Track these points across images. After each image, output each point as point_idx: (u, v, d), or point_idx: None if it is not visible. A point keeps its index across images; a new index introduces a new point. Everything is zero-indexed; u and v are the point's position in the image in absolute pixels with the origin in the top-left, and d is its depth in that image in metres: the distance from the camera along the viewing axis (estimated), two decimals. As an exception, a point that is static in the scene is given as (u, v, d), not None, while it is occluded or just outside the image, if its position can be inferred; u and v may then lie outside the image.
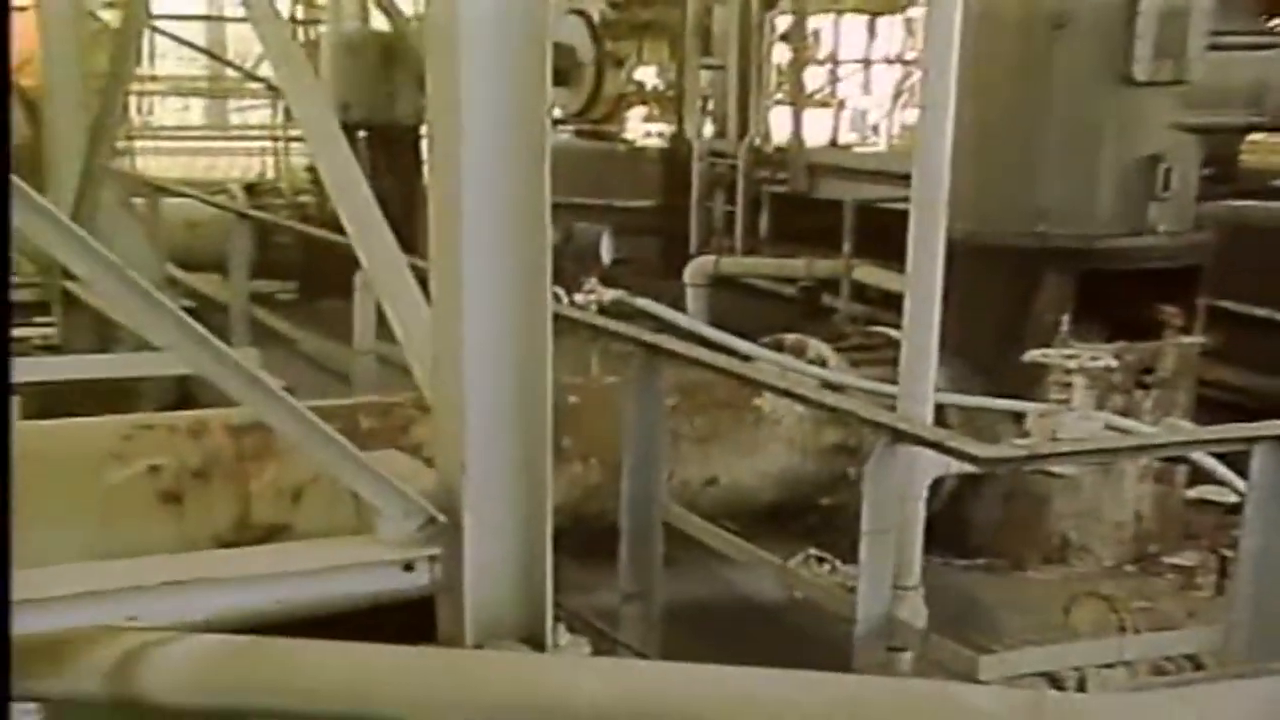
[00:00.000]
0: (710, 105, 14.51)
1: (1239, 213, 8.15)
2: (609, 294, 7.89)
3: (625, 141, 15.37)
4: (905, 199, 4.71)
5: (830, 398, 4.91)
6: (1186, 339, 6.63)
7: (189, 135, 20.33)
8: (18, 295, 9.44)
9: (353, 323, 7.53)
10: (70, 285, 8.68)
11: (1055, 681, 4.25)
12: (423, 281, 3.93)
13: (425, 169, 12.26)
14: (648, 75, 16.07)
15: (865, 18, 15.71)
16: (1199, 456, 5.46)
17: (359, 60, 13.22)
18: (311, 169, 13.35)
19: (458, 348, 3.49)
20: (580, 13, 14.45)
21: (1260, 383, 7.89)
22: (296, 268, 12.08)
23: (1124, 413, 5.93)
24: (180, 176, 14.70)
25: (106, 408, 5.36)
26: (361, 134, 12.49)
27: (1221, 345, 7.29)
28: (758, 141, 13.46)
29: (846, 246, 10.69)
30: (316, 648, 3.52)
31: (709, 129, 14.35)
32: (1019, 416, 5.73)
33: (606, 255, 8.04)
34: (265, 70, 15.91)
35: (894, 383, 4.89)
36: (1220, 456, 5.31)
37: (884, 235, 9.13)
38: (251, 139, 17.93)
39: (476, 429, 3.54)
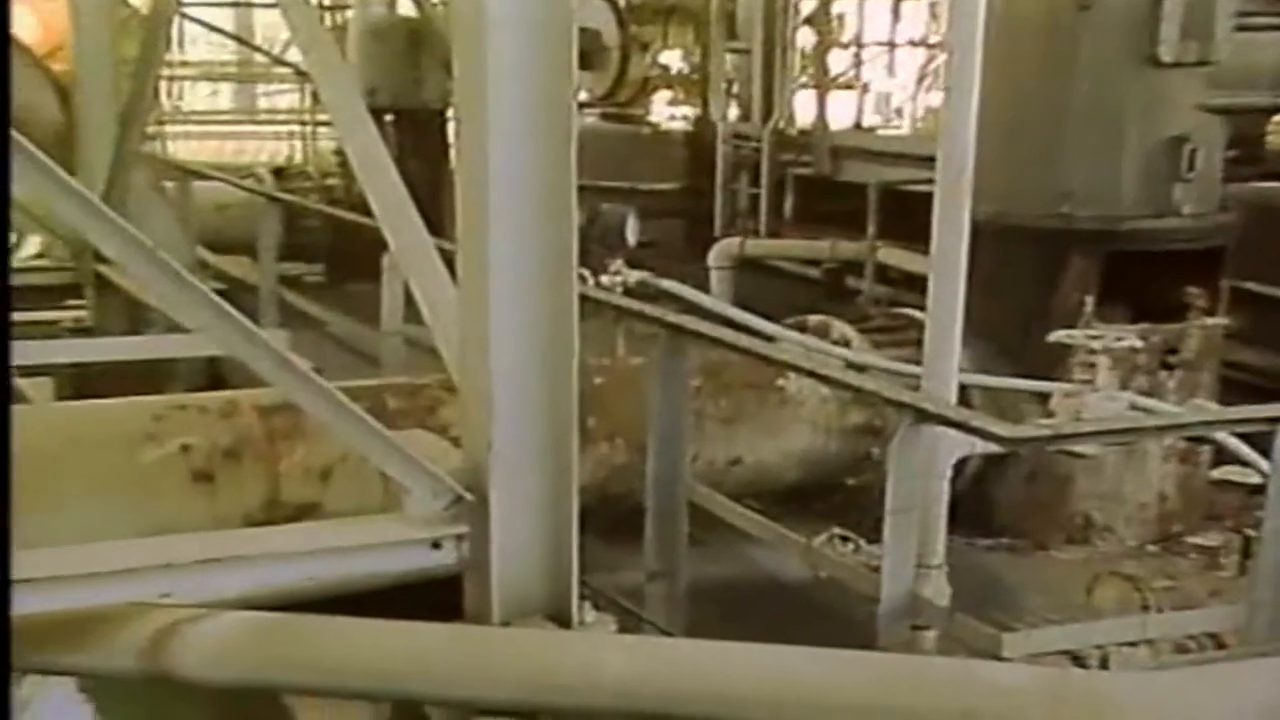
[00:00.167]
0: (735, 88, 14.51)
1: (1264, 194, 8.14)
2: (634, 275, 7.91)
3: (650, 125, 15.39)
4: (929, 181, 4.72)
5: (854, 378, 4.92)
6: (1210, 320, 6.63)
7: (218, 120, 20.44)
8: (51, 279, 9.55)
9: (380, 304, 7.58)
10: (102, 268, 8.76)
11: (1078, 660, 4.27)
12: (449, 263, 3.97)
13: (452, 152, 12.30)
14: (673, 59, 16.08)
15: (889, 1, 15.66)
16: (1223, 437, 5.45)
17: (386, 45, 13.27)
18: (339, 153, 13.43)
19: (484, 329, 3.53)
20: (606, -3, 14.47)
21: (1283, 363, 7.88)
22: (324, 250, 12.15)
23: (1148, 394, 5.93)
24: (209, 160, 14.78)
25: (138, 389, 5.42)
26: (388, 118, 12.54)
27: (1245, 326, 7.28)
28: (782, 124, 13.47)
29: (871, 228, 10.70)
30: (345, 625, 3.57)
31: (733, 112, 14.35)
32: (1043, 397, 5.74)
33: (632, 237, 8.06)
34: (293, 55, 15.99)
35: (918, 364, 4.90)
36: (1244, 437, 5.31)
37: (908, 217, 9.13)
38: (280, 123, 18.01)
39: (503, 409, 3.57)
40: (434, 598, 3.79)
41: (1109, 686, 3.36)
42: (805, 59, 14.26)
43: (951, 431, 4.21)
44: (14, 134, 3.12)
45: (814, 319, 6.71)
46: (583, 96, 13.99)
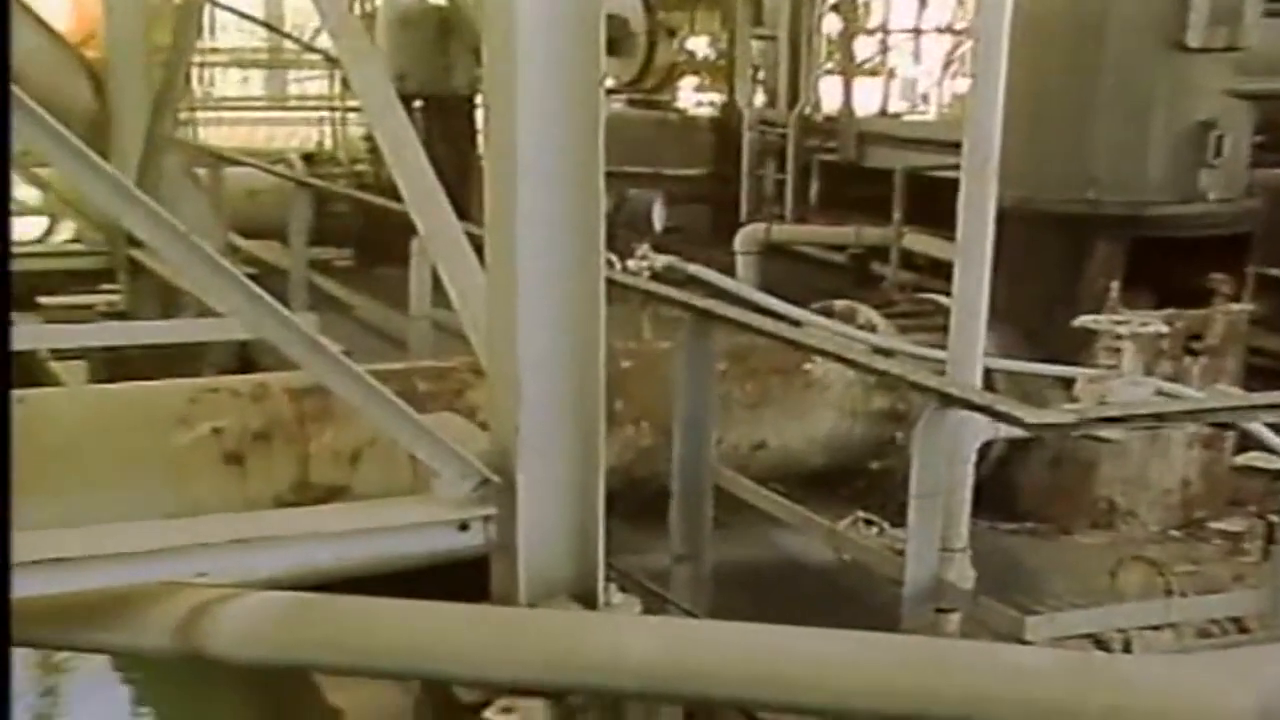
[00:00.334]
0: (761, 75, 14.52)
1: (1291, 180, 8.08)
2: (661, 260, 7.93)
3: (677, 110, 15.41)
4: (955, 167, 4.72)
5: (880, 362, 4.93)
6: (1236, 306, 6.60)
7: (249, 106, 20.55)
8: (85, 263, 9.65)
9: (408, 289, 7.63)
10: (136, 253, 8.86)
11: (1101, 644, 4.28)
12: (478, 248, 4.01)
13: (480, 138, 12.35)
14: (699, 45, 16.08)
15: (915, -12, 15.64)
16: (1247, 423, 5.45)
17: (415, 32, 13.32)
18: (368, 138, 13.51)
19: (512, 313, 3.57)
20: (633, -16, 14.49)
21: (1309, 351, 7.84)
22: (353, 235, 12.21)
23: (1172, 379, 5.92)
24: (240, 146, 14.86)
25: (171, 372, 5.49)
26: (417, 104, 12.58)
27: (1270, 312, 7.26)
28: (808, 110, 13.48)
29: (896, 214, 10.70)
30: (375, 605, 3.62)
31: (760, 98, 14.36)
32: (1067, 383, 5.74)
33: (659, 222, 8.09)
34: (323, 42, 16.05)
35: (943, 349, 4.91)
36: (1269, 423, 5.31)
37: (933, 203, 9.13)
38: (310, 109, 18.08)
39: (531, 393, 3.62)
40: (461, 579, 3.83)
41: (1132, 670, 3.39)
42: (831, 45, 14.27)
43: (976, 416, 4.22)
44: (51, 121, 3.19)
45: (840, 304, 6.72)
46: (609, 83, 13.99)
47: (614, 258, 6.87)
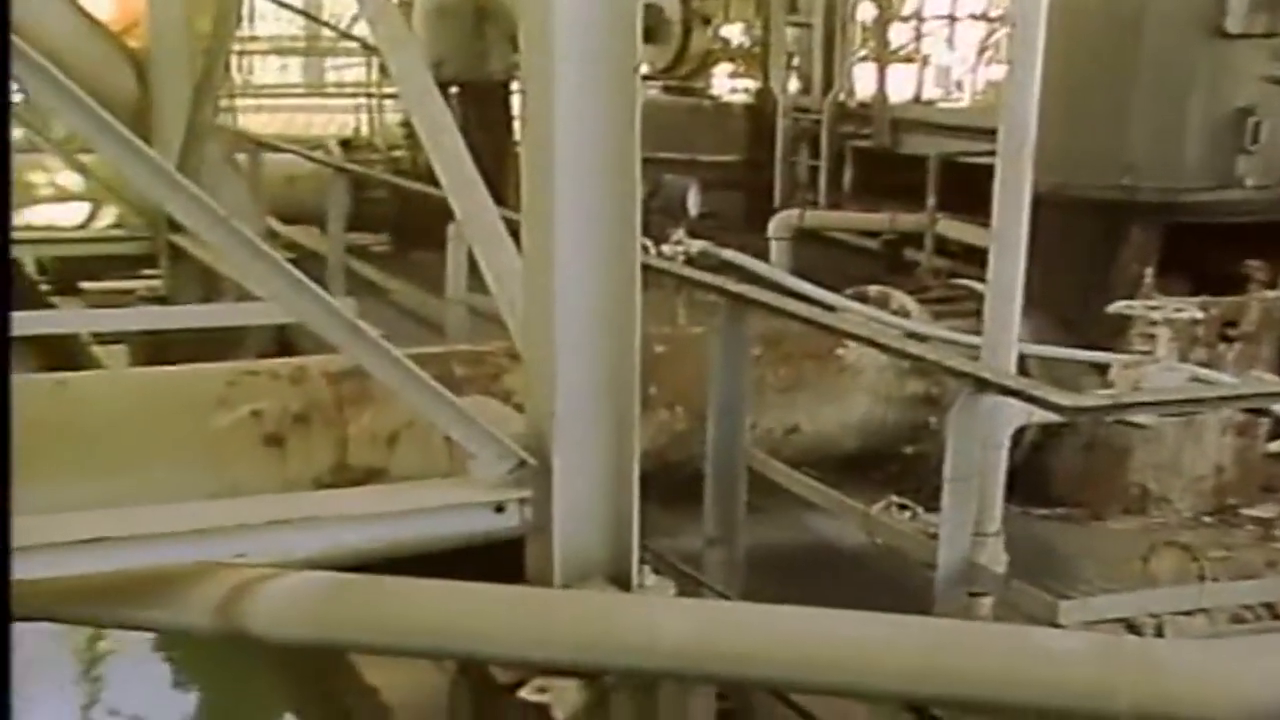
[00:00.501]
0: (795, 62, 14.50)
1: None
2: (695, 245, 7.95)
3: (711, 97, 15.41)
4: (989, 153, 4.72)
5: (915, 347, 4.94)
6: (1271, 293, 6.57)
7: (287, 93, 20.66)
8: (127, 249, 9.75)
9: (444, 274, 7.67)
10: (176, 238, 8.94)
11: (1133, 628, 4.28)
12: (514, 233, 4.04)
13: (516, 124, 12.38)
14: (734, 33, 16.06)
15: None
16: (1281, 410, 5.45)
17: (452, 19, 13.36)
18: (405, 125, 13.56)
19: (549, 297, 3.60)
20: (668, -29, 14.52)
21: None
22: (390, 221, 12.29)
23: (1207, 366, 5.90)
24: (279, 133, 14.95)
25: (211, 355, 5.54)
26: (453, 90, 12.62)
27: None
28: (842, 97, 13.46)
29: (930, 200, 10.69)
30: (412, 585, 3.67)
31: (794, 85, 14.35)
32: (1101, 369, 5.73)
33: (694, 208, 8.11)
34: (360, 30, 16.12)
35: (976, 334, 4.91)
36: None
37: (967, 189, 9.12)
38: (347, 96, 18.17)
39: (566, 376, 3.64)
40: (497, 560, 3.87)
41: (1163, 654, 3.40)
42: (866, 32, 14.22)
43: (1011, 401, 4.23)
44: (94, 107, 3.23)
45: (874, 289, 6.72)
46: (645, 70, 14.02)
47: (649, 243, 6.89)
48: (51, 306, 10.44)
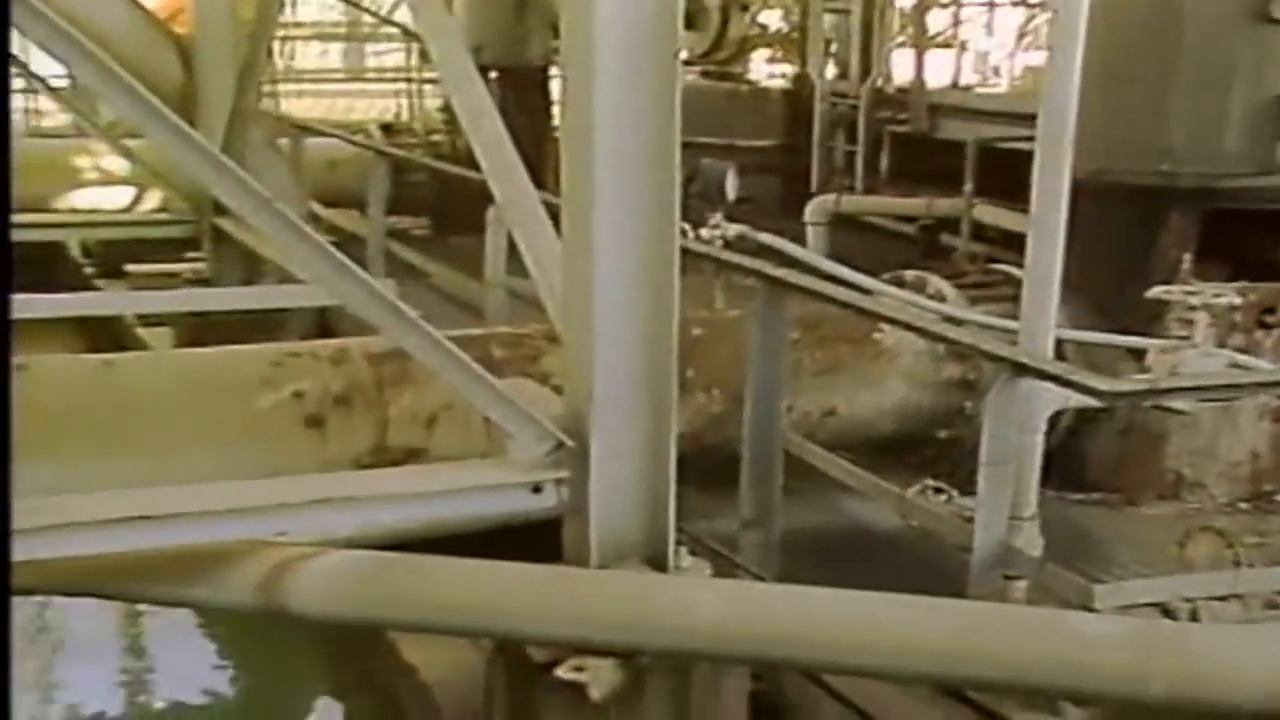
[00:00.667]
0: (833, 47, 14.48)
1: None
2: (733, 229, 7.96)
3: (749, 82, 15.40)
4: (1027, 139, 4.71)
5: (953, 331, 4.95)
6: (1311, 279, 6.53)
7: (328, 79, 20.79)
8: (171, 232, 9.86)
9: (482, 258, 7.72)
10: (220, 222, 9.03)
11: (1168, 613, 4.28)
12: (553, 216, 4.07)
13: (555, 109, 12.43)
14: (772, 18, 16.05)
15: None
16: (1317, 397, 5.43)
17: (492, 5, 13.40)
18: (444, 109, 13.61)
19: (588, 280, 3.62)
20: (709, -43, 14.51)
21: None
22: (429, 205, 12.35)
23: (1244, 352, 5.87)
24: (320, 118, 15.04)
25: (253, 337, 5.61)
26: (493, 75, 12.66)
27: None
28: (879, 82, 13.43)
29: (968, 186, 10.67)
30: (450, 565, 3.71)
31: (831, 70, 14.33)
32: (1137, 355, 5.71)
33: (732, 192, 8.10)
34: (400, 15, 16.19)
35: (1013, 319, 4.92)
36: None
37: (1003, 175, 9.09)
38: (387, 81, 18.26)
39: (605, 358, 3.68)
40: (534, 540, 3.91)
41: (1198, 639, 3.41)
42: (904, 19, 14.19)
43: (1047, 385, 4.24)
44: (142, 91, 3.28)
45: (910, 274, 6.71)
46: (683, 55, 14.03)
47: (687, 227, 6.90)
48: (97, 289, 10.58)
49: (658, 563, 3.85)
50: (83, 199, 11.24)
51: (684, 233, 3.99)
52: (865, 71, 13.69)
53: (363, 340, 5.00)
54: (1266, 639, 3.39)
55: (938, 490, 4.83)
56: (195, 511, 3.59)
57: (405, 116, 15.81)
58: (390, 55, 19.72)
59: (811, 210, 11.45)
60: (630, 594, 3.67)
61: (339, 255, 3.56)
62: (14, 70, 13.28)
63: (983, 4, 15.41)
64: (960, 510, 4.62)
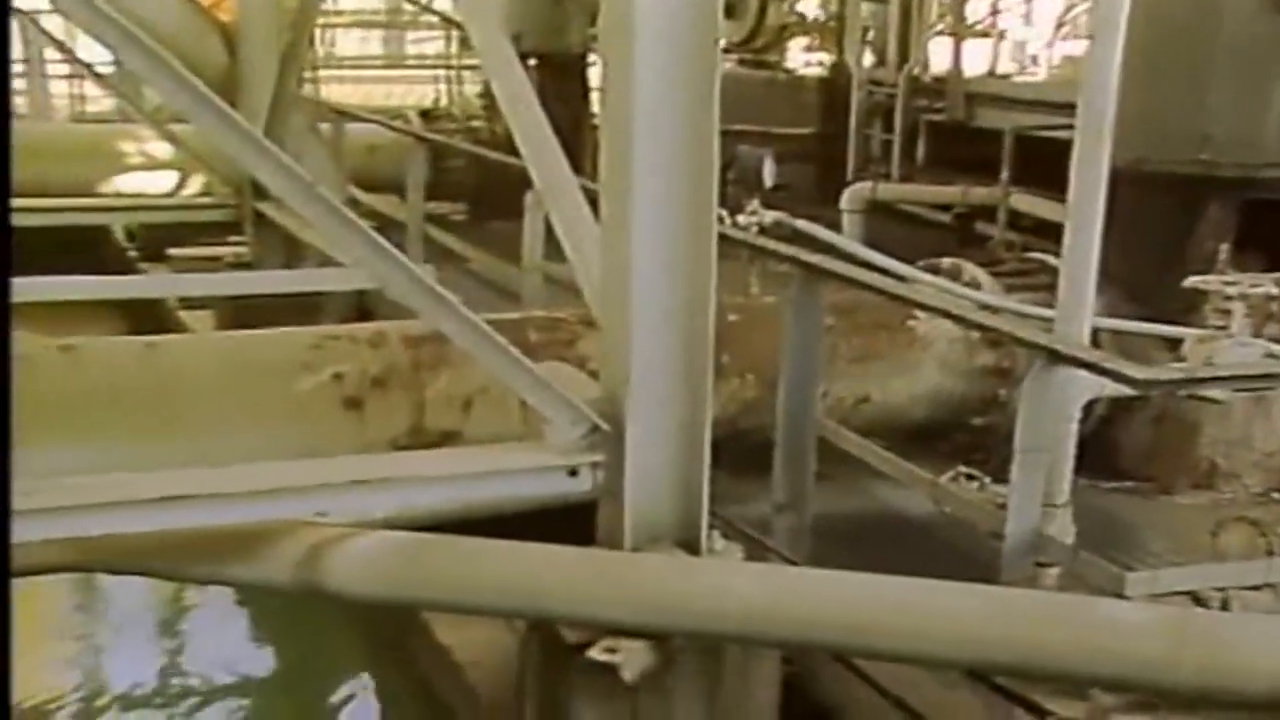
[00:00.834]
0: (870, 35, 14.46)
1: None
2: (770, 216, 7.97)
3: (786, 71, 15.38)
4: (1064, 127, 4.70)
5: (989, 319, 4.96)
6: (1349, 271, 6.50)
7: (369, 65, 20.90)
8: (214, 216, 9.96)
9: (519, 243, 7.76)
10: (261, 206, 9.11)
11: (1199, 602, 4.28)
12: (591, 202, 4.10)
13: (592, 97, 12.46)
14: (809, 7, 16.02)
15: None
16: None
17: (532, -7, 13.44)
18: (483, 95, 13.67)
19: (626, 265, 3.65)
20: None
21: None
22: (467, 190, 12.40)
23: (1279, 341, 5.86)
24: (360, 104, 15.12)
25: (293, 320, 5.65)
26: (531, 62, 12.70)
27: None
28: (916, 71, 13.40)
29: (1005, 174, 10.65)
30: (486, 546, 3.75)
31: (868, 59, 14.30)
32: (1173, 344, 5.71)
33: (769, 178, 8.12)
34: (439, 4, 16.24)
35: (1049, 308, 4.91)
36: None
37: (1039, 164, 9.06)
38: (426, 68, 18.33)
39: (641, 343, 3.70)
40: (569, 523, 3.94)
41: (1230, 628, 3.42)
42: (942, 7, 14.14)
43: (1083, 373, 4.23)
44: (188, 76, 3.33)
45: (946, 261, 6.72)
46: (721, 43, 14.03)
47: (724, 213, 6.92)
48: (140, 272, 10.70)
49: (691, 546, 3.87)
50: (127, 184, 11.36)
51: (721, 219, 4.00)
52: (902, 60, 13.66)
53: (400, 324, 5.04)
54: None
55: (970, 477, 4.83)
56: (235, 492, 3.64)
57: (444, 103, 15.88)
58: (429, 42, 19.82)
59: (847, 198, 11.46)
60: (663, 577, 3.69)
61: (379, 239, 3.59)
62: (60, 57, 13.49)
63: (1022, -7, 15.33)
64: (993, 497, 4.62)
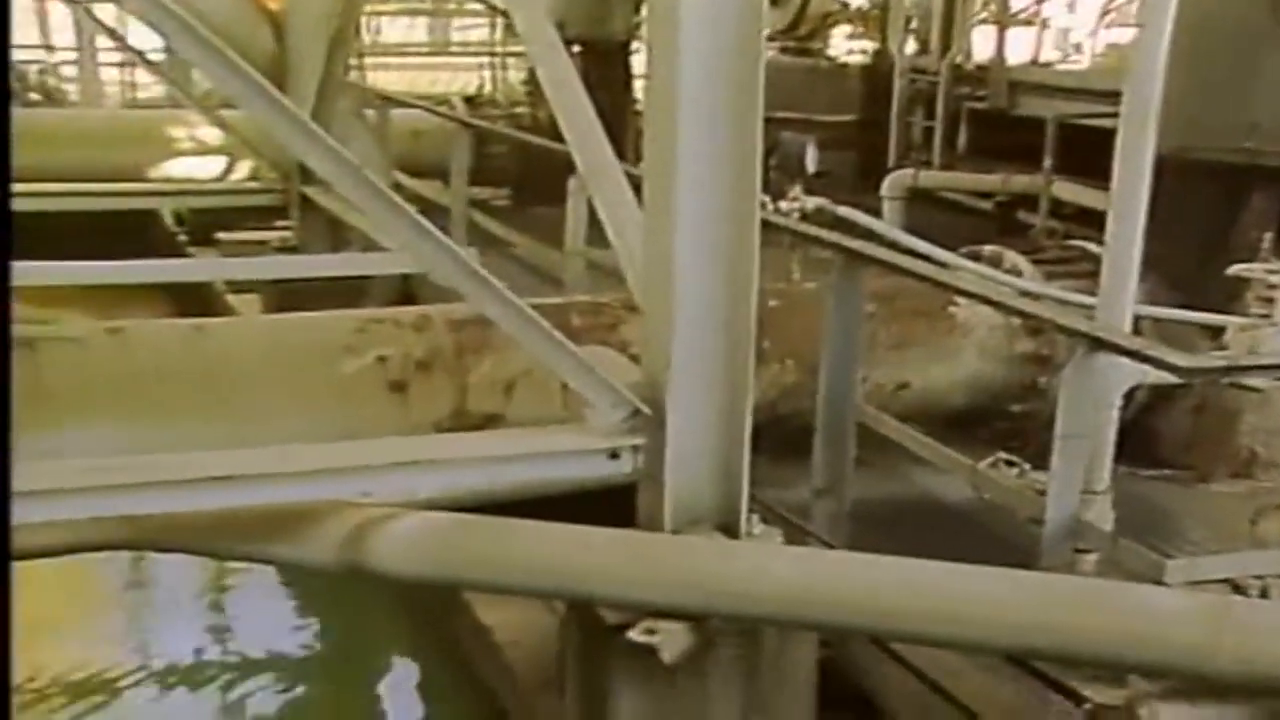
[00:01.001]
0: (914, 24, 14.43)
1: None
2: (812, 202, 7.98)
3: (829, 58, 15.37)
4: (1108, 116, 4.68)
5: (1031, 306, 4.95)
6: (1392, 260, 6.45)
7: (414, 52, 20.99)
8: (260, 200, 10.07)
9: (561, 229, 7.80)
10: (307, 191, 9.19)
11: (1238, 589, 4.27)
12: (634, 187, 4.13)
13: (635, 84, 12.48)
14: (853, -5, 16.02)
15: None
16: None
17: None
18: (527, 82, 13.73)
19: (668, 251, 3.67)
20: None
21: None
22: (510, 176, 12.47)
23: (1321, 332, 5.83)
24: (405, 90, 15.20)
25: (338, 304, 5.71)
26: (575, 49, 12.73)
27: None
28: (959, 59, 13.36)
29: (1047, 162, 10.62)
30: (527, 528, 3.79)
31: (911, 46, 14.27)
32: (1214, 332, 5.69)
33: (811, 165, 8.12)
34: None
35: (1090, 295, 4.90)
36: None
37: (1081, 152, 9.03)
38: (471, 55, 18.40)
39: (683, 327, 3.72)
40: (610, 505, 3.97)
41: (1269, 615, 3.42)
42: (987, -4, 14.11)
43: (1124, 361, 4.22)
44: (238, 61, 3.38)
45: (987, 248, 6.71)
46: (765, 31, 14.02)
47: (766, 199, 6.94)
48: (188, 256, 10.81)
49: (730, 529, 3.89)
50: (176, 169, 11.48)
51: (763, 205, 4.02)
52: (945, 48, 13.64)
53: (444, 307, 5.08)
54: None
55: (1010, 463, 4.83)
56: (281, 472, 3.69)
57: (488, 89, 15.95)
58: (474, 29, 19.90)
59: (889, 185, 11.45)
60: (702, 559, 3.71)
61: (425, 223, 3.63)
62: (112, 45, 13.60)
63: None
64: (1032, 483, 4.62)
